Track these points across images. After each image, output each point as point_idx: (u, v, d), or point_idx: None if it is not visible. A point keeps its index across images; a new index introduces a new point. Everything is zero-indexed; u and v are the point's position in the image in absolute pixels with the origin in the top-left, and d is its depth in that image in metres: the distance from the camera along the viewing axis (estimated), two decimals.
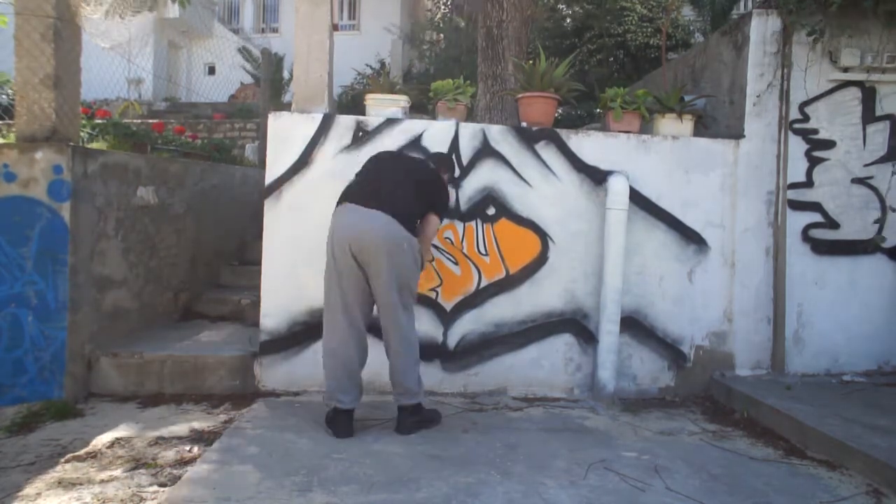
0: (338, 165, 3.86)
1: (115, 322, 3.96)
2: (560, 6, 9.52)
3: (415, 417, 3.28)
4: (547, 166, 3.99)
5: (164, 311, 4.56)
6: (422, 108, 6.54)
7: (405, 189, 3.19)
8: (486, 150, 3.95)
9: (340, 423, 3.17)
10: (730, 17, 7.23)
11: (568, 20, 9.30)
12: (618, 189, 3.89)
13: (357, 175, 3.39)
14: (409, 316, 3.24)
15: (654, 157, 4.06)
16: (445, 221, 3.79)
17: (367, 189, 3.18)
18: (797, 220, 4.16)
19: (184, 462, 2.84)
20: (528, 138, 3.98)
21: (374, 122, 3.90)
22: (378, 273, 3.07)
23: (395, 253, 3.05)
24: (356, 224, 3.06)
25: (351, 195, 3.19)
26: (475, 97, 4.61)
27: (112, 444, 3.00)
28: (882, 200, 4.22)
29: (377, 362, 3.89)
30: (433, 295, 3.93)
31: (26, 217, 3.46)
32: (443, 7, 13.66)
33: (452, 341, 3.96)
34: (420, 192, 3.24)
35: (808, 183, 4.17)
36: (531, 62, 4.27)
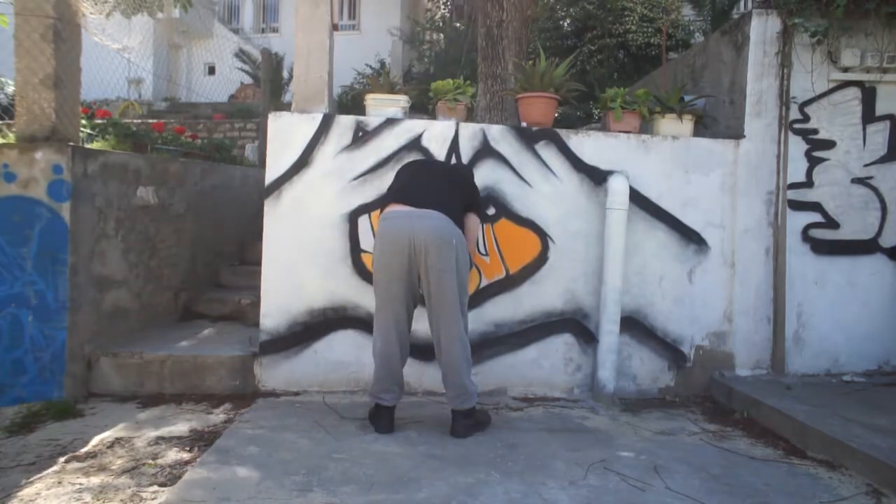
0: (338, 165, 3.87)
1: (115, 322, 3.96)
2: (559, 6, 9.51)
3: (470, 420, 3.25)
4: (547, 166, 3.99)
5: (164, 311, 4.56)
6: (422, 108, 6.55)
7: (447, 190, 3.28)
8: (486, 150, 3.95)
9: (382, 419, 3.25)
10: (730, 16, 7.22)
11: (567, 21, 9.30)
12: (618, 189, 3.89)
13: (395, 181, 3.42)
14: (463, 315, 3.27)
15: (654, 158, 4.06)
16: None
17: (412, 191, 3.23)
18: (797, 220, 4.16)
19: (184, 462, 2.84)
20: (528, 138, 3.98)
21: (374, 122, 3.90)
22: (432, 270, 3.11)
23: (447, 249, 3.10)
24: (409, 224, 3.10)
25: (397, 198, 3.23)
26: (475, 97, 4.62)
27: (112, 444, 3.00)
28: (882, 200, 4.22)
29: None
30: None
31: (26, 217, 3.46)
32: (443, 7, 13.67)
33: None
34: (460, 194, 3.34)
35: (808, 183, 4.17)
36: (531, 62, 4.26)
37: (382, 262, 3.17)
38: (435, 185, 3.28)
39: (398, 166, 3.82)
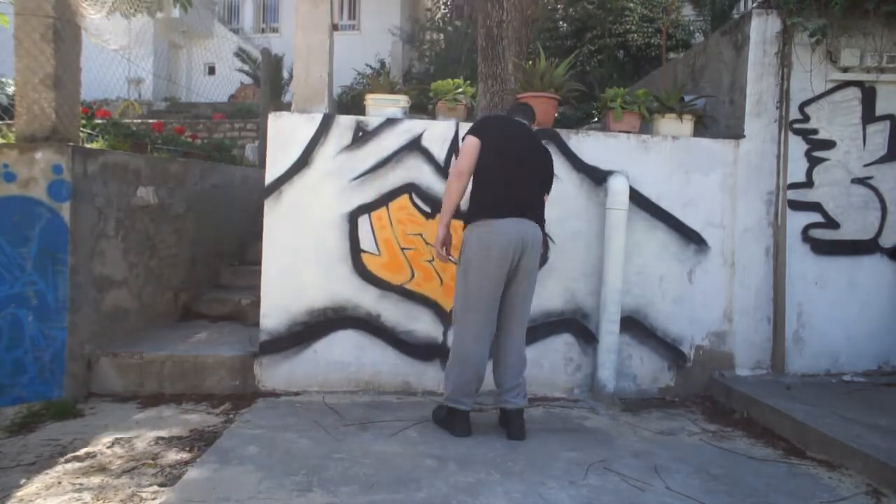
0: (338, 165, 3.87)
1: (115, 322, 3.96)
2: (559, 6, 9.51)
3: (523, 419, 3.32)
4: None
5: (164, 311, 4.55)
6: (422, 108, 6.53)
7: (540, 193, 3.37)
8: None
9: (460, 423, 3.25)
10: (730, 16, 7.22)
11: (567, 21, 9.29)
12: (618, 189, 3.89)
13: (489, 150, 3.23)
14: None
15: (654, 157, 4.06)
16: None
17: (515, 198, 3.23)
18: (797, 220, 4.16)
19: (184, 462, 2.84)
20: None
21: (374, 122, 3.90)
22: (524, 276, 3.23)
23: (538, 255, 3.28)
24: (517, 232, 3.17)
25: (503, 205, 3.20)
26: (475, 97, 4.61)
27: (112, 444, 3.01)
28: (882, 200, 4.22)
29: (378, 362, 3.90)
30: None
31: (26, 217, 3.46)
32: (443, 7, 13.66)
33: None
34: (546, 185, 3.43)
35: (808, 183, 4.17)
36: (531, 62, 4.26)
37: (490, 267, 3.16)
38: (532, 191, 3.31)
39: (398, 166, 3.85)
